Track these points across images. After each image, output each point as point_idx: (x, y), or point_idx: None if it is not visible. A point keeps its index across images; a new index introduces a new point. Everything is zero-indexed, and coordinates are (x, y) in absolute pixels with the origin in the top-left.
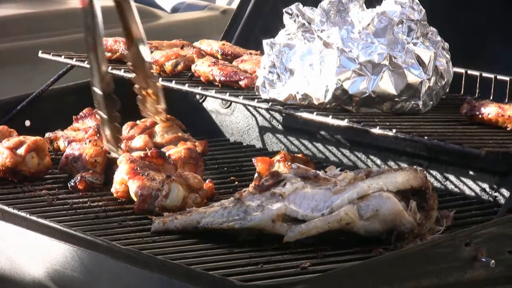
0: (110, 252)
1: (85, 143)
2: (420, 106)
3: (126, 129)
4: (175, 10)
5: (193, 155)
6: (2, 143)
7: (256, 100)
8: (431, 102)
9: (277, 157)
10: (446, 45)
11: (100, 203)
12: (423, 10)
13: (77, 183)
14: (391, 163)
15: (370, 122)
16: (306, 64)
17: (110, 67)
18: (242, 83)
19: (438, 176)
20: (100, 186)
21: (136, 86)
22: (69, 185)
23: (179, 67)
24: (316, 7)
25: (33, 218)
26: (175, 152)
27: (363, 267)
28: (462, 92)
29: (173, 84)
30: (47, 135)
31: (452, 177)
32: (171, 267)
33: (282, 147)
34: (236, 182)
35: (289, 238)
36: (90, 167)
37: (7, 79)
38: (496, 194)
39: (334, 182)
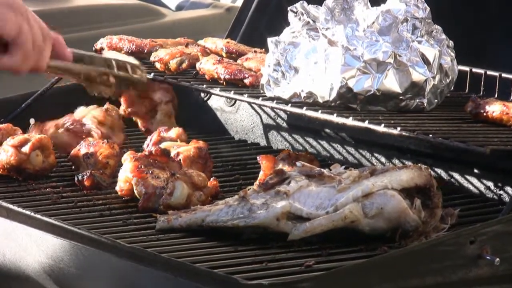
0: (114, 250)
1: (102, 142)
2: (425, 104)
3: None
4: (179, 8)
5: (203, 155)
6: (7, 141)
7: (260, 98)
8: (436, 100)
9: (282, 155)
10: (451, 43)
11: (105, 201)
12: (428, 8)
13: (85, 179)
14: (396, 161)
15: (375, 120)
16: (311, 62)
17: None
18: (246, 81)
19: (443, 174)
20: (105, 187)
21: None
22: (75, 179)
23: (184, 65)
24: (321, 5)
25: (38, 216)
26: (184, 150)
27: (368, 265)
28: (466, 90)
29: (177, 82)
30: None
31: (456, 175)
32: (176, 265)
33: (286, 145)
34: (241, 180)
35: (294, 236)
36: (101, 167)
37: (11, 77)
38: (501, 192)
39: (338, 180)
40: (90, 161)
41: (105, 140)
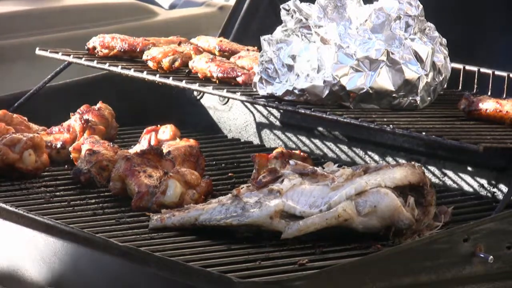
0: (107, 249)
1: (108, 144)
2: (418, 102)
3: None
4: (172, 6)
5: (194, 152)
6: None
7: (253, 96)
8: (429, 98)
9: (275, 154)
10: (444, 40)
11: (98, 200)
12: (421, 6)
13: (82, 175)
14: (389, 159)
15: (368, 118)
16: (304, 60)
17: (107, 64)
18: (239, 79)
19: (436, 171)
20: (98, 187)
21: None
22: (72, 171)
23: (177, 64)
24: (314, 3)
25: (31, 215)
26: (176, 149)
27: (361, 263)
28: (460, 87)
29: (170, 81)
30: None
31: (450, 173)
32: (169, 264)
33: (280, 143)
34: (234, 179)
35: (287, 235)
36: (99, 167)
37: (4, 76)
38: (494, 189)
39: (332, 178)
40: (92, 159)
41: (112, 143)
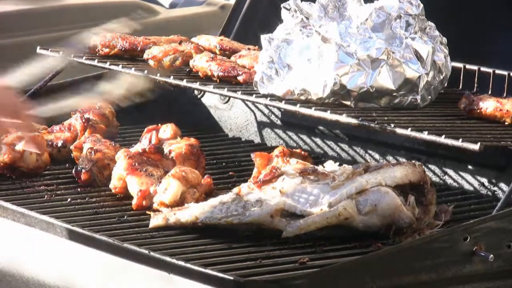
0: (108, 248)
1: (109, 143)
2: (418, 100)
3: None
4: (173, 5)
5: (194, 151)
6: (0, 139)
7: (254, 95)
8: (429, 97)
9: (276, 152)
10: (444, 39)
11: (99, 199)
12: (421, 5)
13: (83, 172)
14: (390, 158)
15: (368, 117)
16: (304, 59)
17: (108, 63)
18: (240, 78)
19: (437, 170)
20: (99, 186)
21: None
22: (74, 169)
23: (177, 63)
24: (314, 2)
25: (32, 213)
26: (176, 148)
27: (362, 262)
28: (460, 86)
29: (171, 80)
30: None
31: (450, 172)
32: (170, 262)
33: (280, 142)
34: (235, 178)
35: (288, 234)
36: (101, 166)
37: (4, 75)
38: (495, 188)
39: (332, 177)
40: (93, 157)
41: (113, 142)
